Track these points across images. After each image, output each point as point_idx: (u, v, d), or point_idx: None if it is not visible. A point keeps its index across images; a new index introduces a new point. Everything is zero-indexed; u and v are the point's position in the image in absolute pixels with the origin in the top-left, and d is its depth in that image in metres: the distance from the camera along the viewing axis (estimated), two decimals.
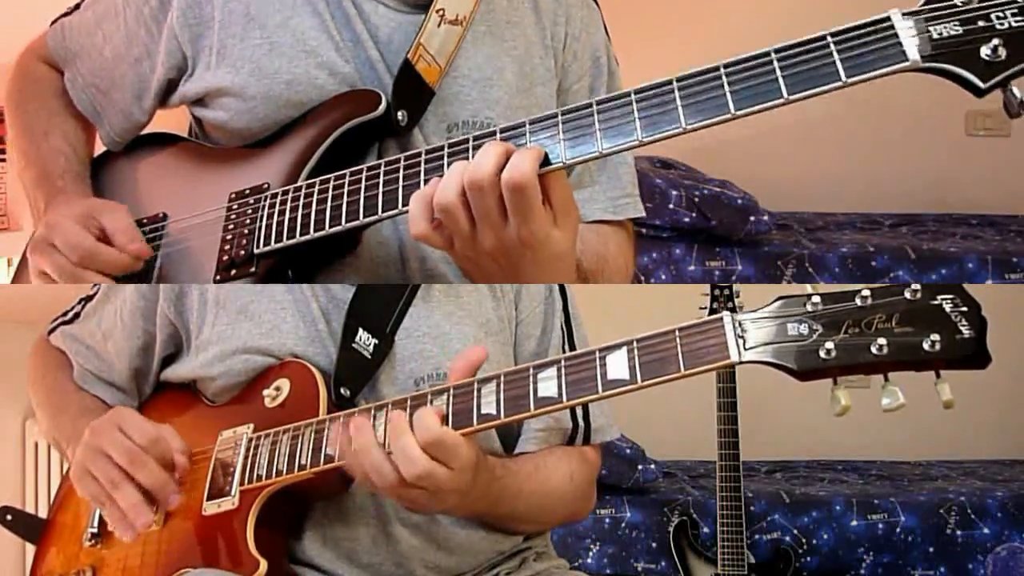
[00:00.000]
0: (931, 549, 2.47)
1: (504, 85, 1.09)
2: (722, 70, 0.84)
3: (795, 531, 2.48)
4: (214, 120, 1.10)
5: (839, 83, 0.81)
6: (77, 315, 1.20)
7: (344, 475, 0.96)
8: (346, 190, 0.98)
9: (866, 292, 0.80)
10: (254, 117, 1.07)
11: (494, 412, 0.89)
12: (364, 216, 0.96)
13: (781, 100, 0.82)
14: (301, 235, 0.99)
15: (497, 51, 1.10)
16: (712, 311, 2.31)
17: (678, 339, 0.84)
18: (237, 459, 1.03)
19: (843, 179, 3.34)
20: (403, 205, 0.93)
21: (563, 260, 0.91)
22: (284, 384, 1.05)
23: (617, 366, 0.85)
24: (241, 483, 1.01)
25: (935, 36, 0.80)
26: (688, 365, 0.83)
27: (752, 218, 2.53)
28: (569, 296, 1.17)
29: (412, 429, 0.90)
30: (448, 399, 0.92)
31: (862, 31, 0.81)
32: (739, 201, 2.54)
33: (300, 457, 0.98)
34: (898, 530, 2.48)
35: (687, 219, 2.51)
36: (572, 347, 1.14)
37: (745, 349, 0.82)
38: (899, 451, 3.18)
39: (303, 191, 1.01)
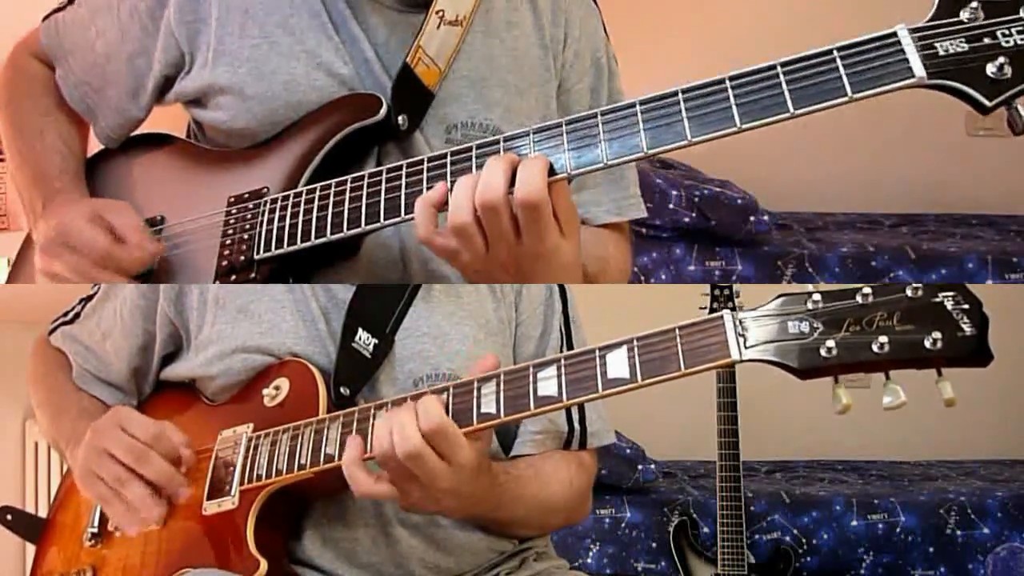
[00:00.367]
0: (931, 549, 2.47)
1: (503, 86, 1.09)
2: (728, 83, 0.84)
3: (795, 531, 2.48)
4: (213, 121, 1.10)
5: (845, 98, 0.81)
6: (77, 315, 1.20)
7: (344, 475, 0.96)
8: (347, 196, 0.98)
9: (867, 290, 0.80)
10: (252, 117, 1.07)
11: (494, 411, 0.89)
12: (366, 223, 0.96)
13: (787, 115, 0.82)
14: (302, 242, 0.99)
15: (496, 52, 1.10)
16: (712, 311, 2.31)
17: (678, 337, 0.84)
18: (237, 459, 1.03)
19: (843, 179, 3.34)
20: (405, 212, 0.93)
21: (571, 269, 0.91)
22: (284, 383, 1.04)
23: (617, 365, 0.85)
24: (241, 483, 1.01)
25: (941, 53, 0.80)
26: (688, 364, 0.83)
27: (752, 218, 2.53)
28: (569, 298, 1.17)
29: (416, 414, 0.89)
30: (448, 398, 0.91)
31: (868, 46, 0.81)
32: (739, 201, 2.54)
33: (300, 457, 0.98)
34: (898, 530, 2.48)
35: (687, 219, 2.51)
36: (570, 349, 1.14)
37: (746, 347, 0.82)
38: (899, 451, 3.18)
39: (304, 197, 1.01)
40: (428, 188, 0.92)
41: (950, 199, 3.28)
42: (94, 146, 1.22)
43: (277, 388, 1.05)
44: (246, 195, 1.06)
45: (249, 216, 1.04)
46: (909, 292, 0.79)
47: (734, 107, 0.83)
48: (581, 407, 1.12)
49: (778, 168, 3.19)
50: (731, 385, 2.34)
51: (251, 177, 1.07)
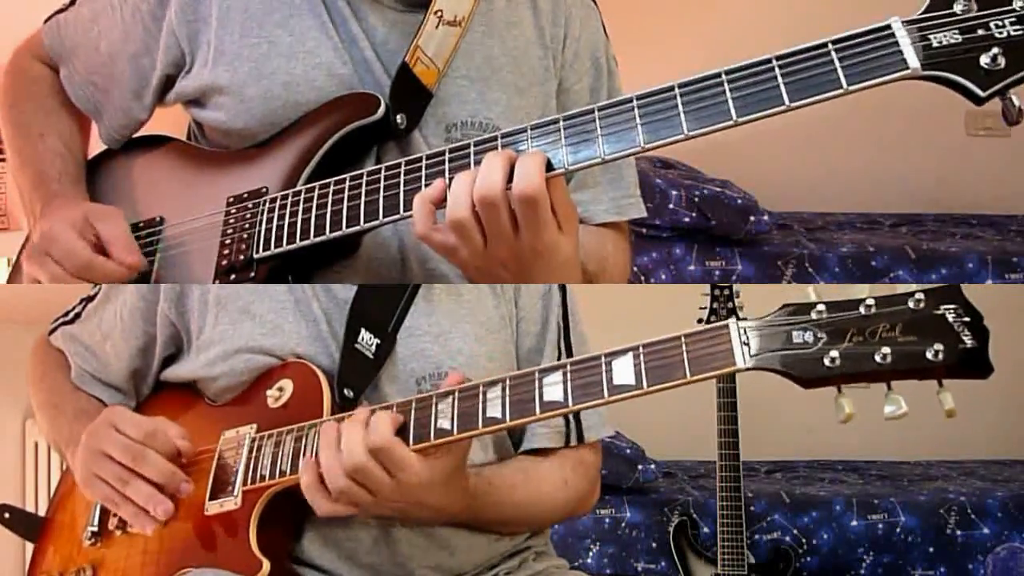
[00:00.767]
0: (931, 549, 2.47)
1: (503, 85, 1.09)
2: (724, 76, 0.84)
3: (795, 531, 2.48)
4: (213, 121, 1.10)
5: (840, 90, 0.81)
6: (78, 315, 1.20)
7: None
8: (346, 194, 0.98)
9: (870, 300, 0.80)
10: (252, 117, 1.07)
11: (499, 415, 0.89)
12: (365, 221, 0.96)
13: (783, 107, 0.82)
14: (301, 240, 0.99)
15: (496, 52, 1.10)
16: (712, 311, 2.31)
17: (684, 345, 0.84)
18: (240, 459, 1.03)
19: (843, 179, 3.34)
20: (404, 210, 0.93)
21: (570, 265, 0.92)
22: (287, 384, 1.04)
23: (623, 371, 0.86)
24: (244, 483, 1.01)
25: (935, 44, 0.81)
26: (694, 371, 0.83)
27: (752, 218, 2.54)
28: (568, 293, 1.17)
29: (367, 426, 0.91)
30: (453, 402, 0.92)
31: (863, 39, 0.82)
32: (739, 201, 2.54)
33: (303, 458, 0.98)
34: (898, 530, 2.48)
35: (687, 219, 2.51)
36: (568, 344, 1.15)
37: (750, 356, 0.82)
38: (899, 451, 3.18)
39: (303, 195, 1.01)
40: (427, 185, 0.92)
41: (950, 199, 3.29)
42: (95, 147, 1.22)
43: (281, 389, 1.05)
44: (245, 195, 1.06)
45: (248, 216, 1.04)
46: (912, 303, 0.79)
47: (730, 101, 0.83)
48: None
49: (778, 168, 3.19)
50: (731, 386, 2.34)
51: (250, 177, 1.07)
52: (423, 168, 0.94)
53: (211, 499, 1.02)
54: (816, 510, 2.50)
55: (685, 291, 2.62)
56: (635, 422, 2.49)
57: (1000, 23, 0.80)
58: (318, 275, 1.06)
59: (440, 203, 0.90)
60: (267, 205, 1.03)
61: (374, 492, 0.92)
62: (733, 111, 0.83)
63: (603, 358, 0.87)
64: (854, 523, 2.48)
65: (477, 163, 0.90)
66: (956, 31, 0.81)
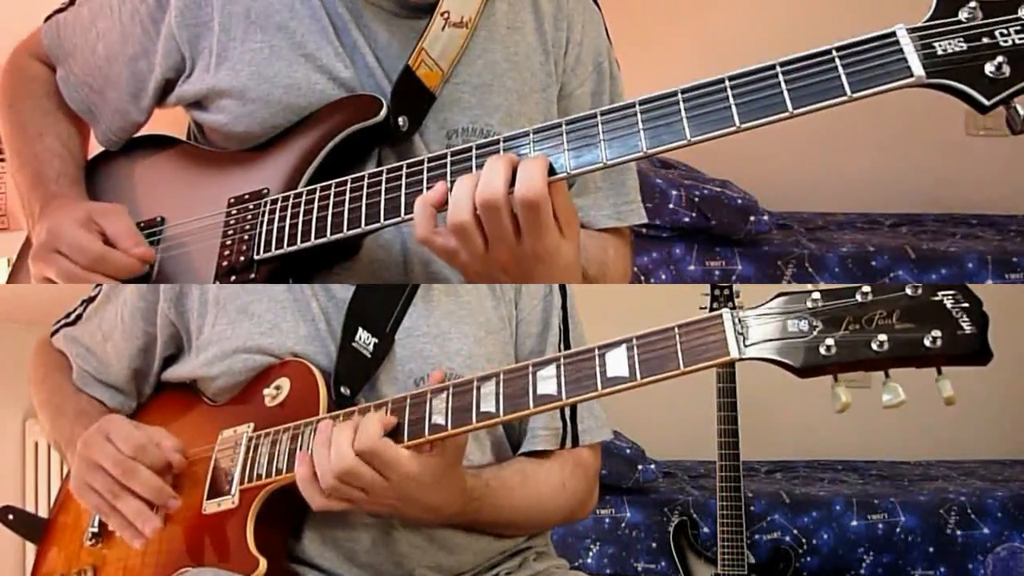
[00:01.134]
0: (931, 549, 2.47)
1: (504, 91, 1.09)
2: (727, 82, 0.84)
3: (795, 531, 2.48)
4: (213, 123, 1.10)
5: (844, 98, 0.81)
6: (79, 317, 1.20)
7: None
8: (347, 197, 0.98)
9: (867, 289, 0.80)
10: (253, 120, 1.07)
11: (493, 410, 0.89)
12: (366, 223, 0.96)
13: (786, 114, 0.82)
14: (302, 242, 0.99)
15: (497, 57, 1.10)
16: (712, 311, 2.30)
17: (677, 336, 0.84)
18: (237, 458, 1.03)
19: (843, 179, 3.34)
20: (405, 213, 0.93)
21: (571, 270, 0.92)
22: (284, 383, 1.05)
23: (616, 363, 0.85)
24: (241, 482, 1.01)
25: (940, 52, 0.80)
26: (688, 362, 0.83)
27: (752, 218, 2.53)
28: (568, 294, 1.17)
29: (355, 429, 0.91)
30: (447, 397, 0.92)
31: (867, 46, 0.82)
32: (739, 201, 2.54)
33: (299, 455, 0.98)
34: (898, 530, 2.48)
35: (687, 219, 2.51)
36: (568, 345, 1.14)
37: (745, 346, 0.82)
38: (899, 451, 3.18)
39: (304, 197, 1.01)
40: (428, 188, 0.92)
41: (950, 199, 3.28)
42: (95, 148, 1.22)
43: (278, 388, 1.05)
44: (246, 196, 1.06)
45: (249, 217, 1.04)
46: (909, 291, 0.79)
47: (733, 107, 0.83)
48: (573, 405, 1.12)
49: (778, 168, 3.19)
50: (731, 385, 2.34)
51: (251, 178, 1.07)
52: (424, 171, 0.94)
53: (209, 499, 1.02)
54: (816, 510, 2.50)
55: (685, 291, 2.62)
56: (635, 422, 2.49)
57: (1005, 32, 0.80)
58: (319, 277, 1.06)
59: (441, 206, 0.90)
60: (268, 206, 1.03)
61: (366, 491, 0.92)
62: (736, 117, 0.83)
63: (596, 351, 0.87)
64: (854, 523, 2.48)
65: (479, 166, 0.90)
66: (961, 39, 0.81)
